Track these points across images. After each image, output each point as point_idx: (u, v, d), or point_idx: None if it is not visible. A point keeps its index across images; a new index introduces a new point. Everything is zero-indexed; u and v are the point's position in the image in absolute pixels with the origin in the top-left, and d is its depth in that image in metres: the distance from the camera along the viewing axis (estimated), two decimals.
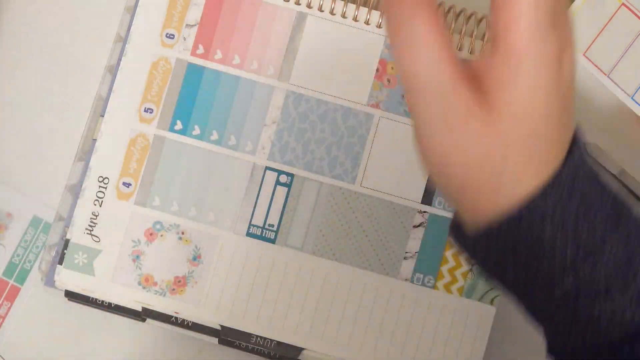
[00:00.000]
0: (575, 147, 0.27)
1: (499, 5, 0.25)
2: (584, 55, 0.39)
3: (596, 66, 0.39)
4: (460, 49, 0.41)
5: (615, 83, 0.39)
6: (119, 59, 0.41)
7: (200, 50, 0.41)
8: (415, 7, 0.25)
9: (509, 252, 0.27)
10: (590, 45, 0.38)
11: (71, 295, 0.40)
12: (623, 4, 0.38)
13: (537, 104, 0.26)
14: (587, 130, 0.34)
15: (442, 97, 0.25)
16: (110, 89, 0.41)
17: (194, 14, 0.41)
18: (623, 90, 0.39)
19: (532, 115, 0.26)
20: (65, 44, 0.43)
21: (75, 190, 0.41)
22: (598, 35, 0.38)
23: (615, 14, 0.39)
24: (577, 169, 0.27)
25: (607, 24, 0.39)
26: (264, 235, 0.40)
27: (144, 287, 0.40)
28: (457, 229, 0.28)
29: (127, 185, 0.40)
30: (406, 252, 0.40)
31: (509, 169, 0.26)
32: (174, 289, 0.40)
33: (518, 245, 0.26)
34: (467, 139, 0.26)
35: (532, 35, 0.25)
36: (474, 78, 0.26)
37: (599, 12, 0.39)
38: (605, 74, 0.39)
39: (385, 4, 0.26)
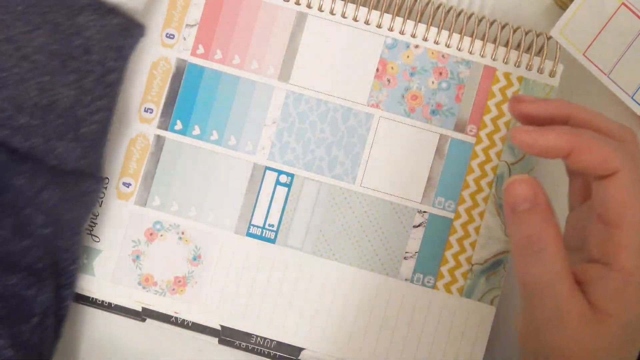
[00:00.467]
0: None
1: (612, 228, 0.30)
2: (583, 54, 0.39)
3: (596, 66, 0.39)
4: (460, 50, 0.41)
5: (616, 83, 0.39)
6: None
7: (200, 50, 0.41)
8: (545, 222, 0.30)
9: None
10: (590, 44, 0.38)
11: None
12: (623, 3, 0.38)
13: (637, 315, 0.31)
14: None
15: (561, 303, 0.30)
16: None
17: (194, 14, 0.41)
18: (623, 90, 0.39)
19: (631, 324, 0.31)
20: None
21: None
22: (598, 35, 0.38)
23: (615, 13, 0.38)
24: None
25: (607, 23, 0.39)
26: (264, 235, 0.40)
27: (144, 287, 0.40)
28: None
29: (127, 185, 0.40)
30: (406, 252, 0.40)
31: None
32: (174, 289, 0.40)
33: None
34: (577, 338, 0.30)
35: (638, 259, 0.30)
36: (578, 280, 0.31)
37: (599, 12, 0.39)
38: (605, 74, 0.38)
39: (510, 212, 0.31)
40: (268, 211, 0.40)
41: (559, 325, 0.31)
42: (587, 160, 0.30)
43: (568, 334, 0.30)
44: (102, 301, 0.40)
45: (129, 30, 0.36)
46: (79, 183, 0.36)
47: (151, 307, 0.40)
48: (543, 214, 0.30)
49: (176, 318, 0.40)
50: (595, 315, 0.30)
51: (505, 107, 0.41)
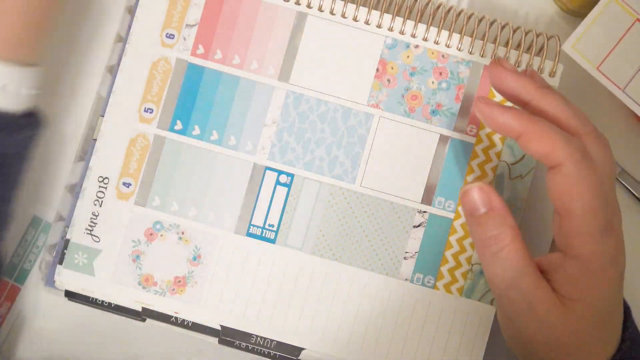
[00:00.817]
0: (629, 319, 0.34)
1: (564, 218, 0.32)
2: (597, 69, 0.39)
3: (611, 80, 0.39)
4: (460, 50, 0.41)
5: (631, 97, 0.39)
6: (119, 59, 0.41)
7: (200, 50, 0.41)
8: (502, 223, 0.32)
9: None
10: (604, 59, 0.39)
11: (71, 295, 0.40)
12: (638, 19, 0.38)
13: (601, 298, 0.32)
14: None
15: (527, 295, 0.32)
16: (110, 89, 0.41)
17: (194, 14, 0.41)
18: (639, 104, 0.39)
19: (597, 306, 0.32)
20: (65, 44, 0.43)
21: (75, 190, 0.41)
22: (612, 50, 0.39)
23: (629, 29, 0.39)
24: (633, 339, 0.34)
25: (621, 38, 0.39)
26: (263, 235, 0.40)
27: (144, 287, 0.40)
28: None
29: (127, 185, 0.40)
30: (406, 252, 0.40)
31: (582, 348, 0.32)
32: (174, 289, 0.40)
33: None
34: (547, 325, 0.32)
35: (593, 244, 0.31)
36: (543, 269, 0.33)
37: (613, 27, 0.39)
38: (621, 88, 0.39)
39: (468, 218, 0.33)
40: (268, 211, 0.40)
41: (529, 316, 0.32)
42: (533, 148, 0.32)
43: (539, 322, 0.32)
44: (102, 301, 0.40)
45: (37, 137, 0.37)
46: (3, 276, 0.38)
47: (151, 307, 0.40)
48: (499, 216, 0.32)
49: (176, 318, 0.40)
50: (561, 301, 0.32)
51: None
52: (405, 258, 0.40)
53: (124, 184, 0.40)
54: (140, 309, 0.40)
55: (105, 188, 0.40)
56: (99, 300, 0.40)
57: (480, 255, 0.33)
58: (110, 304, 0.40)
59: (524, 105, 0.34)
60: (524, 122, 0.32)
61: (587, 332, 0.32)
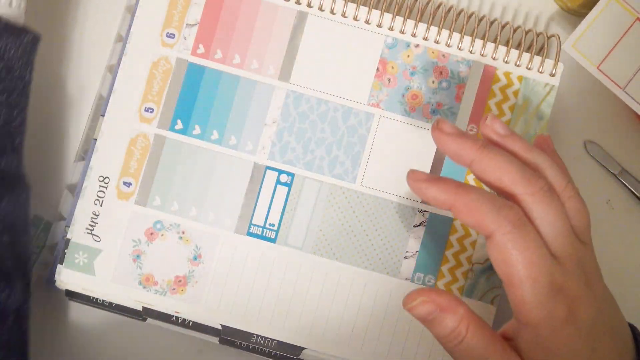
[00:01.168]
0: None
1: (507, 287, 0.31)
2: (597, 68, 0.39)
3: (611, 80, 0.39)
4: (460, 49, 0.41)
5: (631, 96, 0.39)
6: (119, 59, 0.41)
7: (201, 49, 0.41)
8: (454, 317, 0.32)
9: None
10: (605, 59, 0.39)
11: (72, 295, 0.40)
12: (638, 18, 0.39)
13: (564, 357, 0.31)
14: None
15: None
16: (110, 89, 0.41)
17: (195, 14, 0.41)
18: (639, 103, 0.39)
19: None
20: (65, 44, 0.43)
21: (75, 190, 0.41)
22: (612, 49, 0.39)
23: (630, 28, 0.39)
24: None
25: (621, 38, 0.39)
26: (264, 234, 0.40)
27: (144, 287, 0.40)
28: None
29: (128, 184, 0.40)
30: (406, 252, 0.40)
31: None
32: (174, 289, 0.40)
33: None
34: None
35: (538, 309, 0.31)
36: (508, 337, 0.33)
37: (613, 26, 0.39)
38: (621, 87, 0.39)
39: (423, 323, 0.33)
40: (268, 211, 0.40)
41: None
42: (463, 220, 0.32)
43: None
44: (103, 301, 0.40)
45: (37, 43, 0.37)
46: (23, 189, 0.37)
47: (152, 307, 0.40)
48: (449, 312, 0.32)
49: (177, 318, 0.40)
50: None
51: (505, 106, 0.41)
52: (405, 257, 0.40)
53: (125, 183, 0.40)
54: (140, 309, 0.40)
55: (106, 188, 0.40)
56: (100, 300, 0.40)
57: (445, 349, 0.33)
58: (110, 303, 0.40)
59: (468, 167, 0.33)
60: (451, 195, 0.32)
61: None
